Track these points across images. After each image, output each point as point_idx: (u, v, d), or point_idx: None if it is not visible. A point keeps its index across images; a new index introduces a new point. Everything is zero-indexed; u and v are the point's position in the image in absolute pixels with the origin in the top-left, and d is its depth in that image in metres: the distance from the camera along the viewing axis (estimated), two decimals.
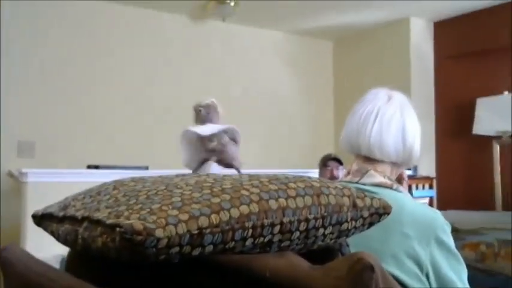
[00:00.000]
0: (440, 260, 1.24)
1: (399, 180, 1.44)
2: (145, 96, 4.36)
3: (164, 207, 0.73)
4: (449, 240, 1.27)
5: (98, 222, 0.77)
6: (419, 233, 1.24)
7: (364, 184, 1.32)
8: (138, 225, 0.69)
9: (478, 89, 4.44)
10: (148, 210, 0.74)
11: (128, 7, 4.29)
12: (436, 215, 1.30)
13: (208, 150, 1.71)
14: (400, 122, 1.34)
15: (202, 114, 1.82)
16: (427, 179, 4.54)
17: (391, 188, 1.33)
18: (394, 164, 1.39)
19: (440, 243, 1.25)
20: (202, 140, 1.72)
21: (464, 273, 1.27)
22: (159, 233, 0.69)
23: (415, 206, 1.31)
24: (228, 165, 1.74)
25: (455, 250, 1.28)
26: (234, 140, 1.90)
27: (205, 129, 1.87)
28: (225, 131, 1.88)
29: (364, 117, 1.34)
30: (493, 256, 2.95)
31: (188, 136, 1.78)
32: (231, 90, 4.74)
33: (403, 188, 1.40)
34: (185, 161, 1.82)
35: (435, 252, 1.24)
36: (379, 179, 1.33)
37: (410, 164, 1.42)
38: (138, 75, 4.35)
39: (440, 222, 1.27)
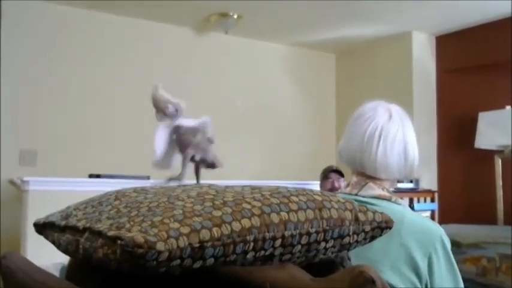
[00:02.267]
0: (438, 272, 1.25)
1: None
2: (146, 106, 4.35)
3: (166, 220, 0.74)
4: (448, 253, 1.29)
5: (99, 234, 0.77)
6: (419, 244, 1.25)
7: (363, 196, 1.34)
8: (139, 238, 0.69)
9: (480, 103, 4.44)
10: (149, 222, 0.74)
11: (132, 19, 4.31)
12: (436, 227, 1.32)
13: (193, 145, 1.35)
14: (403, 141, 1.36)
15: (171, 112, 1.39)
16: (429, 192, 4.53)
17: (389, 200, 1.34)
18: (394, 179, 1.43)
19: (439, 255, 1.27)
20: (186, 133, 1.34)
21: (462, 286, 1.28)
22: (160, 246, 0.69)
23: (415, 218, 1.32)
24: (211, 165, 1.43)
25: (454, 263, 1.29)
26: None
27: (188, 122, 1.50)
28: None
29: (368, 137, 1.35)
30: (494, 270, 2.94)
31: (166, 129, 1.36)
32: (233, 102, 4.75)
33: (402, 200, 1.42)
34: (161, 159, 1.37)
35: (433, 264, 1.25)
36: (378, 191, 1.35)
37: (410, 177, 1.47)
38: (140, 86, 4.35)
39: (440, 234, 1.29)
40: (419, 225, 1.30)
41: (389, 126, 1.36)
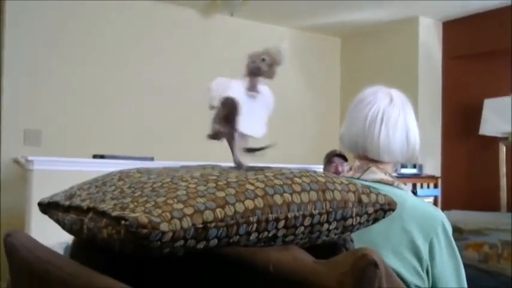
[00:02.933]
0: (439, 256, 1.26)
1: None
2: (151, 87, 4.36)
3: (169, 201, 0.74)
4: (450, 238, 1.29)
5: (103, 214, 0.77)
6: (420, 228, 1.26)
7: (365, 180, 1.34)
8: (143, 219, 0.69)
9: (486, 90, 4.42)
10: (153, 203, 0.74)
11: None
12: (437, 212, 1.32)
13: None
14: (404, 125, 1.37)
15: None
16: (432, 178, 4.53)
17: (391, 184, 1.35)
18: (397, 162, 1.44)
19: (441, 240, 1.27)
20: None
21: (462, 271, 1.29)
22: (164, 226, 0.69)
23: (416, 202, 1.32)
24: None
25: (456, 248, 1.30)
26: None
27: None
28: None
29: (369, 122, 1.36)
30: (496, 257, 2.95)
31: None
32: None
33: (405, 186, 1.42)
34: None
35: (435, 249, 1.26)
36: (380, 175, 1.35)
37: (413, 160, 1.46)
38: (145, 67, 4.35)
39: (441, 219, 1.29)
40: (421, 210, 1.30)
41: (390, 110, 1.36)
